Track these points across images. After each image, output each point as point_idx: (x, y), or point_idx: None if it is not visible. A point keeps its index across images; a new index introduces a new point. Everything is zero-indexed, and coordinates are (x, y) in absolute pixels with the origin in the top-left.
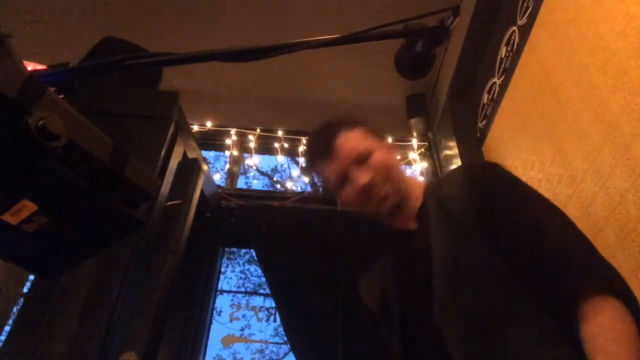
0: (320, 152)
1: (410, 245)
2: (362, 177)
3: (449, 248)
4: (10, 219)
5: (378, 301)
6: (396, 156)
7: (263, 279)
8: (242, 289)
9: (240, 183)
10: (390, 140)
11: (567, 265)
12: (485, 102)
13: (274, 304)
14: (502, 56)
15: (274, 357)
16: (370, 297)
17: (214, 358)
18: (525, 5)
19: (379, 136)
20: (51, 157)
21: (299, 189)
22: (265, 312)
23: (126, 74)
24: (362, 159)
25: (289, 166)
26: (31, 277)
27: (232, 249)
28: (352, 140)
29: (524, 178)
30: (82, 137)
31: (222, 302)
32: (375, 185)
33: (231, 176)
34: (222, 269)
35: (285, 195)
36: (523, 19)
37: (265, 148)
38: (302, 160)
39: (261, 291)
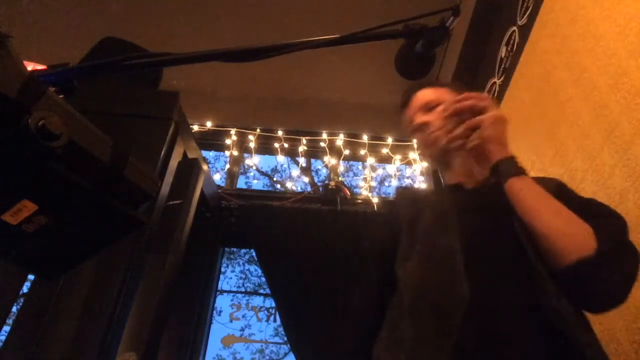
0: (401, 104)
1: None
2: (419, 119)
3: None
4: (10, 219)
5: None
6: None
7: (263, 279)
8: (242, 289)
9: (240, 183)
10: (390, 140)
11: None
12: None
13: (274, 304)
14: (502, 56)
15: (274, 357)
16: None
17: (214, 358)
18: (525, 5)
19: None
20: (51, 157)
21: (299, 189)
22: (265, 312)
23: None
24: (428, 108)
25: (289, 166)
26: (31, 277)
27: (232, 249)
28: (423, 93)
29: None
30: (82, 137)
31: (222, 302)
32: (429, 127)
33: (231, 176)
34: (222, 269)
35: (285, 195)
36: (523, 19)
37: (265, 148)
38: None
39: (261, 291)
